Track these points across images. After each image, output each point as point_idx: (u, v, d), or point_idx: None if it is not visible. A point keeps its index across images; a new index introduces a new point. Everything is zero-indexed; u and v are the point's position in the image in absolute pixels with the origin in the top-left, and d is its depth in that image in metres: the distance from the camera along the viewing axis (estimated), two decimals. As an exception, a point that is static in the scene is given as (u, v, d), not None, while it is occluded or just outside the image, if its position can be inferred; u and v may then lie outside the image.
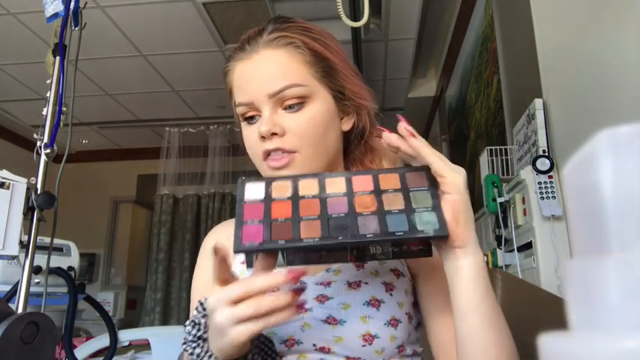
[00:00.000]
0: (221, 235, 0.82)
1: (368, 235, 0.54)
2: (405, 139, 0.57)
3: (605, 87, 1.26)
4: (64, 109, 1.19)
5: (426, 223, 0.55)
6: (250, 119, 0.71)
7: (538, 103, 1.62)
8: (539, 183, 1.50)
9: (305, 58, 0.70)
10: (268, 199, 0.59)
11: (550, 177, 1.50)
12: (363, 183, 0.60)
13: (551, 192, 1.48)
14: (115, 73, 3.73)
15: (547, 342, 0.21)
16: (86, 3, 1.29)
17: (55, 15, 1.25)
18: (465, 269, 0.56)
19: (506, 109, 2.15)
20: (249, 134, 0.71)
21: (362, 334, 0.64)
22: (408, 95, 4.04)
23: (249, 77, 0.70)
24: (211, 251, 0.53)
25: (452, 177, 0.55)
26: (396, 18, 3.07)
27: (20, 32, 3.12)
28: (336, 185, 0.60)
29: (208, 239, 0.83)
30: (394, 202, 0.57)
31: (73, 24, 1.26)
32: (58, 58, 1.21)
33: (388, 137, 0.58)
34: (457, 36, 3.00)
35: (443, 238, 0.55)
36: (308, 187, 0.60)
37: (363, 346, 0.64)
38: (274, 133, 0.68)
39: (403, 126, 0.56)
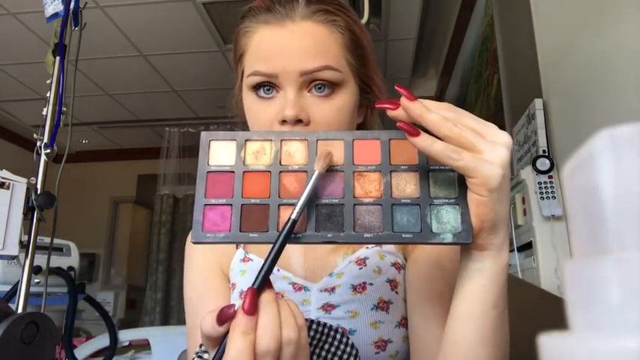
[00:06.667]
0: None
1: (366, 236, 0.43)
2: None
3: (605, 87, 1.26)
4: (64, 109, 1.19)
5: (445, 222, 0.43)
6: (266, 91, 0.61)
7: (538, 103, 1.62)
8: (539, 183, 1.49)
9: (345, 41, 0.61)
10: (241, 166, 0.45)
11: (550, 177, 1.50)
12: (368, 152, 0.46)
13: (551, 192, 1.48)
14: (115, 73, 3.73)
15: (547, 342, 0.21)
16: (86, 3, 1.29)
17: (55, 15, 1.25)
18: (476, 273, 0.44)
19: (506, 109, 2.14)
20: (260, 111, 0.61)
21: (374, 341, 0.60)
22: (408, 95, 4.04)
23: (280, 47, 0.59)
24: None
25: (483, 176, 0.40)
26: (396, 18, 3.07)
27: (20, 32, 3.12)
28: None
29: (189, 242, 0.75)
30: (407, 186, 0.44)
31: (73, 24, 1.26)
32: (58, 58, 1.21)
33: (395, 115, 0.44)
34: (457, 36, 2.99)
35: (464, 245, 0.44)
36: (294, 153, 0.46)
37: (377, 353, 0.60)
38: (299, 120, 0.58)
39: (405, 105, 0.42)
